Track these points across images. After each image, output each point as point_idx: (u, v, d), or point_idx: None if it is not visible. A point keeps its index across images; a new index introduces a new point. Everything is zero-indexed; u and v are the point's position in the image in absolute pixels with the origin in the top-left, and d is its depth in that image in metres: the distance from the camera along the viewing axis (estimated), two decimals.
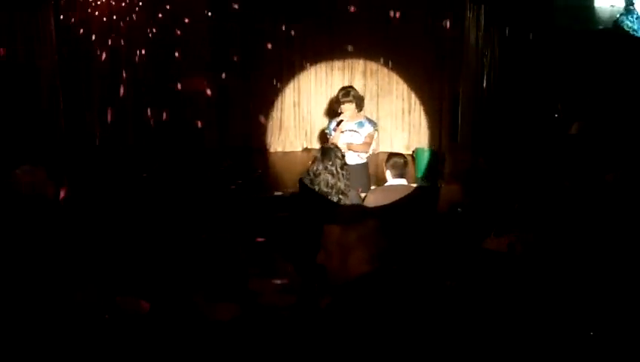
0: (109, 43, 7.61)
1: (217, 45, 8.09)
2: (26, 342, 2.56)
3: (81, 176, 5.74)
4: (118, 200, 4.82)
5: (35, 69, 6.72)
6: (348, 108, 5.67)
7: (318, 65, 8.45)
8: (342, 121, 5.63)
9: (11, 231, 3.43)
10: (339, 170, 4.09)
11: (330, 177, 4.05)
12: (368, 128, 5.69)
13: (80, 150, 7.10)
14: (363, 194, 4.73)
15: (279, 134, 8.49)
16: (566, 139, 5.38)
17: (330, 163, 4.08)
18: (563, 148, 5.28)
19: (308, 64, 8.43)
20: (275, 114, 8.50)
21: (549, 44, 7.03)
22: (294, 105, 8.49)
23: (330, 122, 5.92)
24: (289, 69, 8.43)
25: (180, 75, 7.94)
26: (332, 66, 8.47)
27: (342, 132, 5.61)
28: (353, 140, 5.58)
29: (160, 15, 7.74)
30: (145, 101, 7.90)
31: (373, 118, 8.53)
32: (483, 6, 7.27)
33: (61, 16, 7.05)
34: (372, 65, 8.40)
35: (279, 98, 8.48)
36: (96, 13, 7.47)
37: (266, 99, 8.47)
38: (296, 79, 8.44)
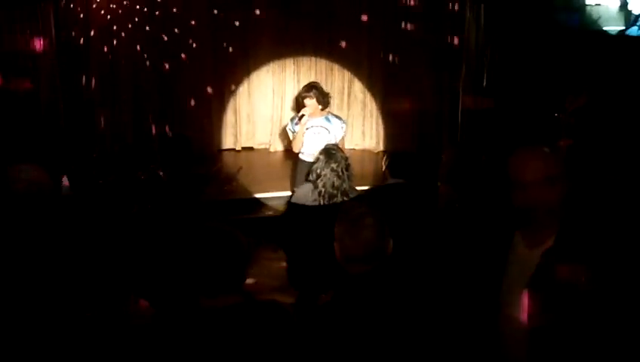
0: (109, 43, 7.61)
1: (219, 45, 8.09)
2: (27, 341, 2.56)
3: (81, 175, 5.73)
4: (116, 199, 4.81)
5: (34, 68, 6.71)
6: (309, 104, 5.60)
7: (318, 66, 8.45)
8: (303, 115, 5.54)
9: (10, 231, 3.43)
10: (344, 170, 4.07)
11: (336, 179, 4.02)
12: (339, 127, 5.60)
13: (80, 150, 7.09)
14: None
15: (279, 134, 8.50)
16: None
17: (336, 164, 4.04)
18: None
19: (308, 64, 8.43)
20: (275, 114, 8.50)
21: (549, 44, 7.03)
22: None
23: (292, 119, 5.81)
24: (289, 70, 8.43)
25: (181, 74, 7.94)
26: (332, 67, 8.48)
27: (306, 128, 5.55)
28: (322, 138, 5.44)
29: (161, 14, 7.74)
30: (145, 100, 7.89)
31: (373, 118, 8.57)
32: (483, 6, 7.28)
33: (62, 5, 7.02)
34: (372, 66, 8.40)
35: (279, 98, 8.48)
36: (97, 12, 7.46)
37: (265, 99, 8.48)
38: (296, 79, 8.44)
